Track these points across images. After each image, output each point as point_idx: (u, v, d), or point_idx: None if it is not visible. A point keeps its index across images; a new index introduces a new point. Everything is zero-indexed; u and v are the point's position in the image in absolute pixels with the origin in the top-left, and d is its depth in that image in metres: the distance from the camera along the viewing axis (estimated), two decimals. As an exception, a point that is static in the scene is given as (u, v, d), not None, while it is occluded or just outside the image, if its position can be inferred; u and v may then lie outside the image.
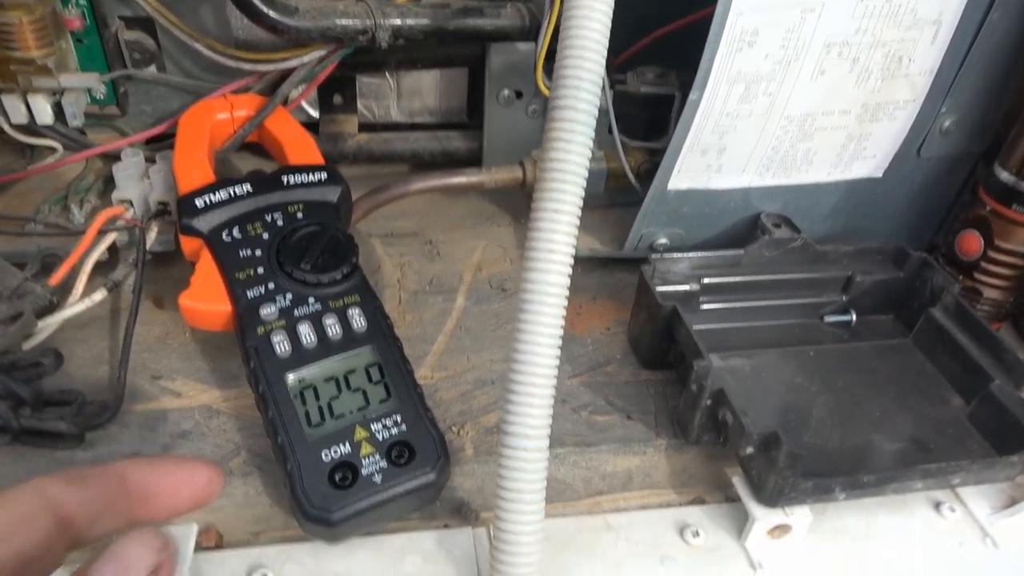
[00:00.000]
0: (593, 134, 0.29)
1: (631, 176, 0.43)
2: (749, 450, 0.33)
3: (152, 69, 0.48)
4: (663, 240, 0.45)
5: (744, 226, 0.45)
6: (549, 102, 0.29)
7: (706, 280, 0.42)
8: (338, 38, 0.40)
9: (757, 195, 0.43)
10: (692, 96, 0.36)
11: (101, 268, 0.41)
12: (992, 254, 0.40)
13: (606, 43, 0.28)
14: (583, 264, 0.49)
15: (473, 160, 0.54)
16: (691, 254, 0.42)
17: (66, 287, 0.39)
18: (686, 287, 0.42)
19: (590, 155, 0.29)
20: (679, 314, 0.38)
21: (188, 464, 0.26)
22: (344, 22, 0.40)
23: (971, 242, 0.41)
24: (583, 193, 0.29)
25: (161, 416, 0.37)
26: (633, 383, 0.41)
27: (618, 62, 0.45)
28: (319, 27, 0.39)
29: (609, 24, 0.28)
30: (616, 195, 0.48)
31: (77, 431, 0.34)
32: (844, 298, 0.44)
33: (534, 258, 0.29)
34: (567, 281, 0.29)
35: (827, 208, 0.45)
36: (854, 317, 0.44)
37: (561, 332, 0.30)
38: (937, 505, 0.37)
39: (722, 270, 0.43)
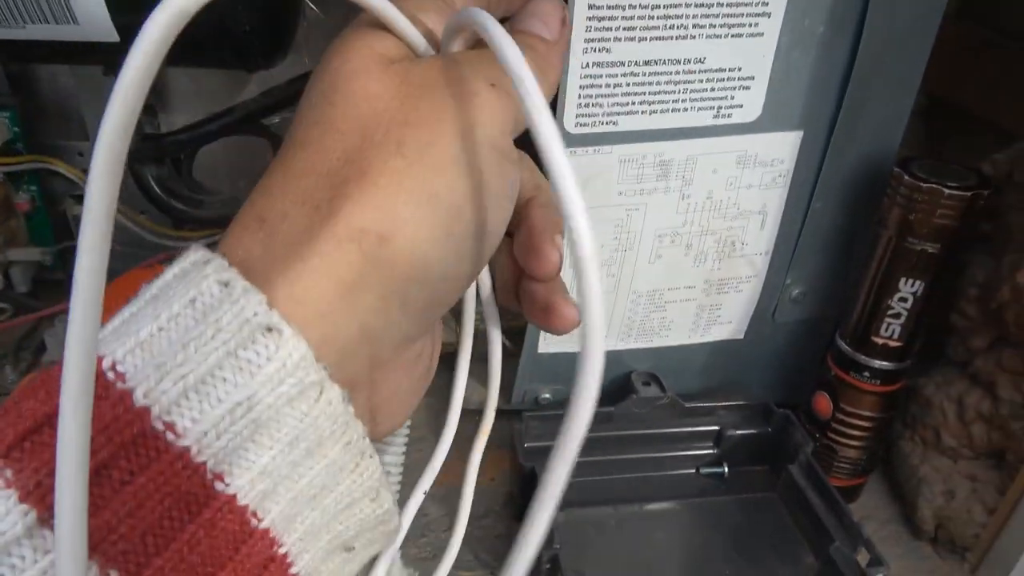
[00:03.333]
0: None
1: (504, 341, 0.47)
2: (575, 617, 0.35)
3: (101, 235, 0.54)
4: (547, 395, 0.48)
5: (623, 382, 0.48)
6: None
7: (578, 436, 0.45)
8: (241, 224, 0.46)
9: (628, 355, 0.47)
10: (538, 279, 0.41)
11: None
12: (839, 415, 0.43)
13: None
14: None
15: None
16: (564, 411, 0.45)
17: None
18: (561, 443, 0.45)
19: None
20: (536, 475, 0.41)
21: None
22: (245, 211, 0.45)
23: (822, 403, 0.44)
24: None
25: None
26: (506, 537, 0.43)
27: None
28: (222, 215, 0.45)
29: None
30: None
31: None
32: (716, 451, 0.47)
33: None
34: None
35: (698, 366, 0.48)
36: (726, 469, 0.47)
37: None
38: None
39: (595, 426, 0.46)
